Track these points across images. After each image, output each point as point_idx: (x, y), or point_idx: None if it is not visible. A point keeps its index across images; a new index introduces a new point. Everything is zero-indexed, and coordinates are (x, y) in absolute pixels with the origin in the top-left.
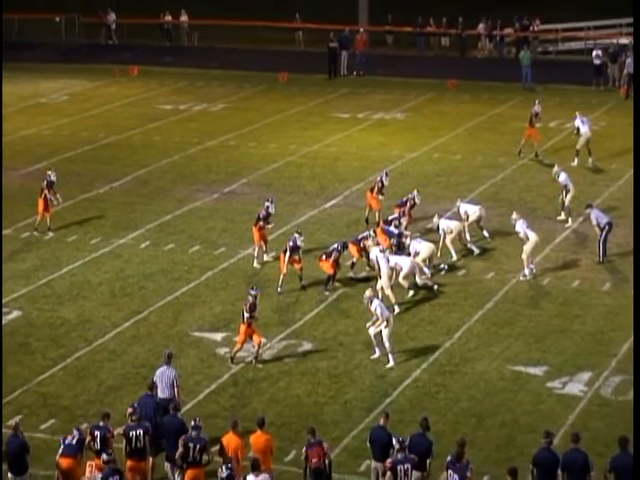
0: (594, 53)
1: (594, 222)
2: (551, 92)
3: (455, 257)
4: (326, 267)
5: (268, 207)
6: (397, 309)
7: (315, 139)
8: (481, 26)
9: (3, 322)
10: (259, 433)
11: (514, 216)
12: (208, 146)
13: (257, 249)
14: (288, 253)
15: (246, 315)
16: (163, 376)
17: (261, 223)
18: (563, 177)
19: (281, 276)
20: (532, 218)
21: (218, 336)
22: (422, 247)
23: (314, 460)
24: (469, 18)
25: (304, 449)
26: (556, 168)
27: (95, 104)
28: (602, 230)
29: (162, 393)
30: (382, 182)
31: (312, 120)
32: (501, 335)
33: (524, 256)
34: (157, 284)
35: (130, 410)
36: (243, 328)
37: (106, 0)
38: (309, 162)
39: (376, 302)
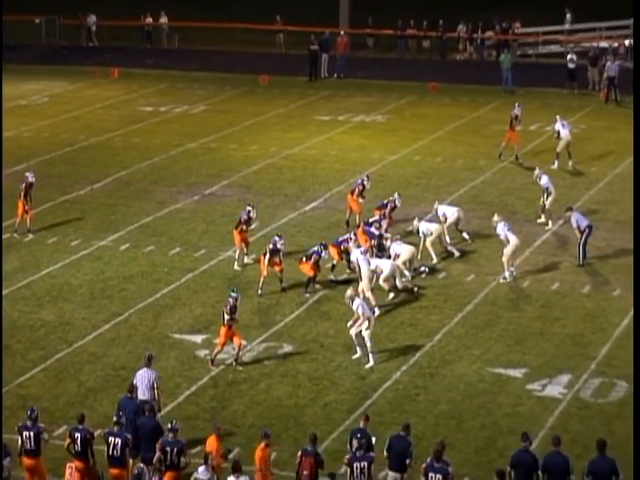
0: (569, 57)
1: (574, 225)
2: (531, 95)
3: (435, 260)
4: (306, 269)
5: (250, 212)
6: (377, 311)
7: (296, 141)
8: (461, 27)
9: None
10: (262, 446)
11: (495, 218)
12: (189, 148)
13: (238, 251)
14: (268, 255)
15: (226, 317)
16: (143, 378)
17: (242, 227)
18: (545, 180)
19: (261, 278)
20: (512, 221)
21: (198, 338)
22: (402, 249)
23: (305, 472)
24: (450, 21)
25: (299, 453)
26: (537, 171)
27: (75, 106)
28: (582, 233)
29: (142, 395)
30: (363, 184)
31: (293, 122)
32: (481, 337)
33: (504, 259)
34: (137, 286)
35: (115, 418)
36: (223, 330)
37: (87, 2)
38: (290, 164)
39: (357, 301)
